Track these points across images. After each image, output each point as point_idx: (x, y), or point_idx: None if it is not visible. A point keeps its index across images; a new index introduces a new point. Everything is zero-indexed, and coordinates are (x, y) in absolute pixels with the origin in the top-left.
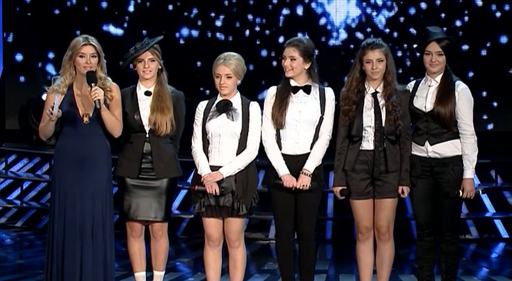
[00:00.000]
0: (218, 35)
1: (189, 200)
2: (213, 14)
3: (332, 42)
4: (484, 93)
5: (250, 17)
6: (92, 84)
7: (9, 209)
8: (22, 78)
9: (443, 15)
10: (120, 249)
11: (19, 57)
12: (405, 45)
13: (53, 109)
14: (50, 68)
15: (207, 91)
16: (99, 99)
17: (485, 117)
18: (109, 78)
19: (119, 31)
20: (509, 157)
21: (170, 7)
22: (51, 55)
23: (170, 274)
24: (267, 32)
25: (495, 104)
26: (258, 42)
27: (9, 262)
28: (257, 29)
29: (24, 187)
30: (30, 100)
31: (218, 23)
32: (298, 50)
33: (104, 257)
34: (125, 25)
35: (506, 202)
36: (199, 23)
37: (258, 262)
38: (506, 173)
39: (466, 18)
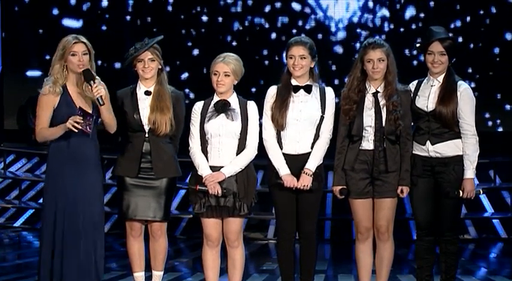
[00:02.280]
0: (203, 31)
1: (187, 200)
2: (198, 9)
3: (332, 39)
4: (499, 96)
5: (239, 9)
6: (91, 82)
7: (7, 209)
8: (21, 78)
9: (455, 10)
10: (118, 249)
11: (18, 56)
12: (418, 40)
13: (84, 128)
14: (49, 68)
15: (191, 94)
16: (101, 96)
17: (498, 121)
18: (98, 77)
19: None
20: (507, 156)
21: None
22: (50, 55)
23: (169, 274)
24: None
25: (508, 107)
26: (247, 39)
27: (8, 262)
28: (246, 24)
29: (22, 187)
30: (29, 100)
31: (204, 18)
32: (306, 48)
33: (94, 257)
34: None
35: (505, 202)
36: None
37: (257, 262)
38: (505, 173)
39: (482, 12)
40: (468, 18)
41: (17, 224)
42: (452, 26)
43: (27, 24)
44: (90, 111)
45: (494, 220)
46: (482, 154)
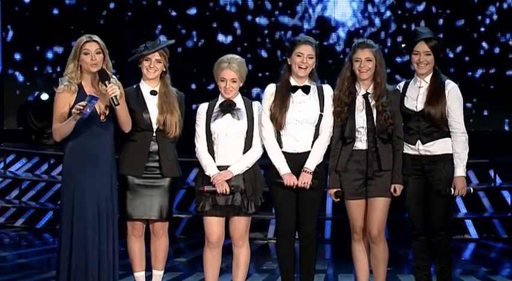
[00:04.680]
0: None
1: (187, 200)
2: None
3: (331, 40)
4: None
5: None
6: (106, 82)
7: (8, 208)
8: (21, 78)
9: (469, 8)
10: (118, 249)
11: (18, 56)
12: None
13: (83, 109)
14: (49, 68)
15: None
16: (115, 96)
17: None
18: (114, 76)
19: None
20: (507, 156)
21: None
22: (49, 55)
23: (169, 273)
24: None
25: None
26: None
27: (8, 262)
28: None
29: (23, 187)
30: (29, 100)
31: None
32: (314, 48)
33: (113, 255)
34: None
35: (505, 201)
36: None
37: (257, 261)
38: (505, 173)
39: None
40: (481, 17)
41: (17, 224)
42: (459, 23)
43: (28, 23)
44: (107, 111)
45: (494, 220)
46: (479, 153)
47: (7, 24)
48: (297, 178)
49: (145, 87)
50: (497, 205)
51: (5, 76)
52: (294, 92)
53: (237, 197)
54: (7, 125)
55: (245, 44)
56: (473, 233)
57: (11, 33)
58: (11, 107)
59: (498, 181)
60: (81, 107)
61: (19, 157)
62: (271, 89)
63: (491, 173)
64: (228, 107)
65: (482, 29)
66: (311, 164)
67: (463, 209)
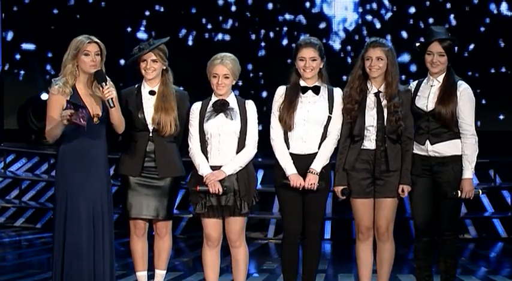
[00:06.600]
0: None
1: (188, 199)
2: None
3: (331, 43)
4: None
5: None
6: (103, 83)
7: (8, 208)
8: (21, 78)
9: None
10: (118, 249)
11: (18, 56)
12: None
13: (78, 121)
14: (49, 68)
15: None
16: (112, 98)
17: None
18: (108, 78)
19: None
20: (508, 156)
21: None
22: (50, 54)
23: (169, 273)
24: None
25: None
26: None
27: (8, 262)
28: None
29: (23, 187)
30: (29, 100)
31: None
32: (317, 50)
33: (110, 255)
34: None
35: (505, 201)
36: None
37: (257, 261)
38: (505, 173)
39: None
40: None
41: (17, 223)
42: (467, 20)
43: (28, 23)
44: (100, 113)
45: (494, 220)
46: (484, 153)
47: (7, 23)
48: (304, 180)
49: (145, 87)
50: (497, 205)
51: (6, 76)
52: (304, 92)
53: (230, 198)
54: (7, 125)
55: (238, 42)
56: (473, 233)
57: (11, 33)
58: (11, 107)
59: (498, 181)
60: (68, 116)
61: (19, 157)
62: (281, 90)
63: (491, 173)
64: (221, 107)
65: (482, 29)
66: (317, 165)
67: (463, 209)
